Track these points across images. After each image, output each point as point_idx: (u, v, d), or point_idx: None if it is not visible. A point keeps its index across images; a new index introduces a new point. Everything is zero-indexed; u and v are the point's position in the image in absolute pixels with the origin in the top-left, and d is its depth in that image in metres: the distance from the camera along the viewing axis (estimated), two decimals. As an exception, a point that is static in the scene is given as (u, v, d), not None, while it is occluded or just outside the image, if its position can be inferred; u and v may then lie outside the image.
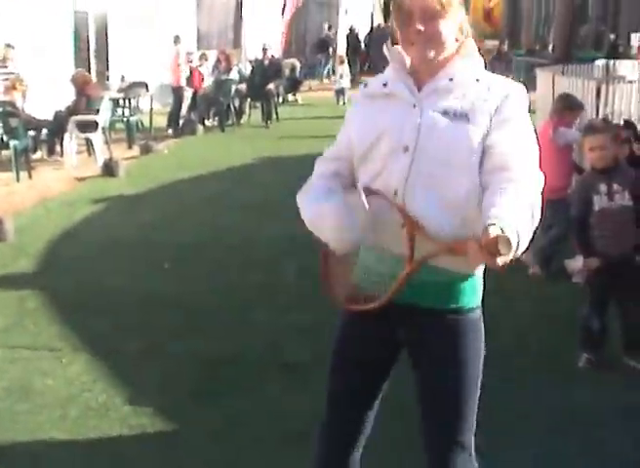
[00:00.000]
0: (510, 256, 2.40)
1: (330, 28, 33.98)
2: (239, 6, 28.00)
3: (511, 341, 5.93)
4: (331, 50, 27.04)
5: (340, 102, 23.24)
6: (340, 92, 23.52)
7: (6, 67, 14.26)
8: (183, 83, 18.51)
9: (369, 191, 2.79)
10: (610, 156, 5.47)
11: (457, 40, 2.80)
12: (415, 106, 2.75)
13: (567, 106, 7.70)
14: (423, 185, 2.71)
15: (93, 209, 10.34)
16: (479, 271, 2.87)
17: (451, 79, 2.74)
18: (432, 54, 2.72)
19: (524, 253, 2.53)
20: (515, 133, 2.70)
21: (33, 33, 15.41)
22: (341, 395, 3.10)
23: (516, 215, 2.46)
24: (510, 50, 26.96)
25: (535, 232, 2.56)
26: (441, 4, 2.69)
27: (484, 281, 2.90)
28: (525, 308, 6.71)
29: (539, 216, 2.59)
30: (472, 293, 2.88)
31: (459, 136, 2.68)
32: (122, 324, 6.33)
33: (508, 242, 2.36)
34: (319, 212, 2.86)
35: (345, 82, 23.63)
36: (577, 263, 6.72)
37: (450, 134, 2.68)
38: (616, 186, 5.41)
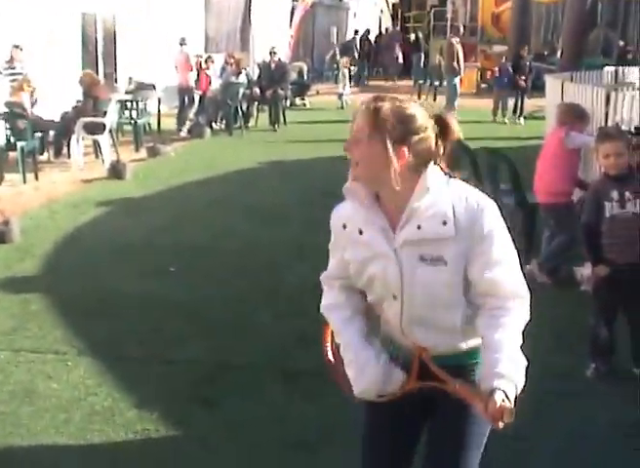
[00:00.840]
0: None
1: (356, 33, 34.07)
2: (247, 9, 28.01)
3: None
4: (337, 53, 26.93)
5: (343, 105, 23.29)
6: (340, 96, 23.61)
7: (14, 68, 14.24)
8: (192, 84, 18.54)
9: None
10: (624, 163, 5.44)
11: (404, 161, 2.76)
12: (393, 253, 2.84)
13: (578, 116, 7.68)
14: (418, 324, 2.91)
15: (99, 211, 10.32)
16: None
17: (419, 227, 2.78)
18: (373, 185, 2.83)
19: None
20: (495, 256, 2.80)
21: (41, 34, 15.40)
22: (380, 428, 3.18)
23: (515, 365, 2.75)
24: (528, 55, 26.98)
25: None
26: (362, 129, 2.76)
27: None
28: (532, 317, 6.66)
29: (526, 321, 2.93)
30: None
31: (439, 281, 2.82)
32: (126, 328, 6.31)
33: (512, 412, 2.62)
34: (362, 365, 3.00)
35: (347, 86, 23.70)
36: (585, 271, 6.67)
37: (431, 280, 2.81)
38: (627, 194, 5.37)
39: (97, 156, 13.79)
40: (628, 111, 9.66)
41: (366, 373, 2.96)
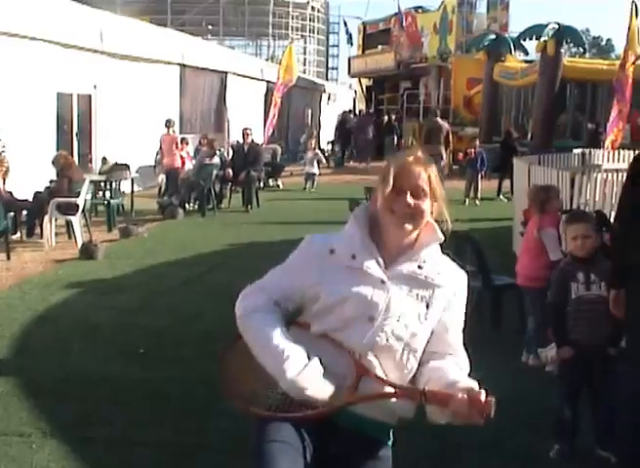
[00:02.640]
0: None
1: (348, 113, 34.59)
2: (222, 91, 28.36)
3: (484, 429, 5.90)
4: (305, 136, 27.25)
5: (308, 188, 23.49)
6: (309, 177, 23.78)
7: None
8: (178, 165, 18.75)
9: (331, 340, 2.99)
10: (591, 245, 5.53)
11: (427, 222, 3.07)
12: (383, 282, 2.98)
13: (548, 198, 7.73)
14: (380, 352, 2.97)
15: (70, 291, 10.31)
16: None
17: (420, 267, 3.02)
18: (410, 227, 3.01)
19: None
20: (458, 324, 3.13)
21: (16, 114, 15.54)
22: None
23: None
24: (517, 138, 27.34)
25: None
26: (429, 186, 3.01)
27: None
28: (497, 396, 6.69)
29: None
30: (391, 432, 3.15)
31: (417, 317, 3.01)
32: (93, 410, 6.28)
33: (493, 406, 2.77)
34: (296, 367, 2.92)
35: (314, 168, 23.92)
36: (550, 352, 6.72)
37: (412, 314, 3.00)
38: (593, 276, 5.47)
39: (69, 236, 13.82)
40: (592, 194, 9.84)
41: (299, 364, 2.91)
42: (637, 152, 5.54)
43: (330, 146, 36.89)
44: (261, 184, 21.89)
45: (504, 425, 6.02)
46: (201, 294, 10.26)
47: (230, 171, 19.26)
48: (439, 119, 22.72)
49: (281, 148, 26.31)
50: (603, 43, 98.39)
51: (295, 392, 2.89)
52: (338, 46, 72.90)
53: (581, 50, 33.07)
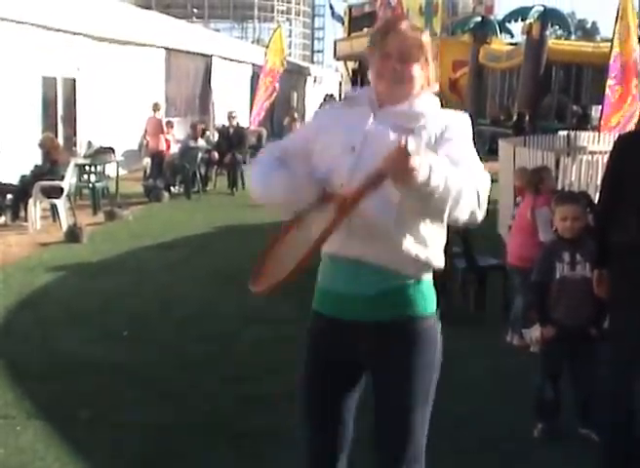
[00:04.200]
0: (423, 169, 2.55)
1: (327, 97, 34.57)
2: (207, 74, 28.29)
3: (467, 408, 5.94)
4: (288, 119, 27.16)
5: None
6: None
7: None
8: (163, 148, 18.73)
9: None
10: (579, 227, 5.54)
11: (422, 87, 3.05)
12: (371, 116, 3.00)
13: (542, 178, 7.74)
14: (362, 178, 2.84)
15: (54, 275, 10.29)
16: (426, 277, 3.05)
17: (410, 106, 2.99)
18: (399, 91, 2.99)
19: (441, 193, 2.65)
20: (459, 146, 2.94)
21: (1, 97, 15.47)
22: (319, 402, 3.21)
23: (441, 164, 2.66)
24: (502, 121, 27.29)
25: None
26: (418, 50, 2.98)
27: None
28: (481, 375, 6.73)
29: (484, 203, 2.83)
30: (423, 301, 3.03)
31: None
32: (76, 391, 6.28)
33: (409, 157, 2.52)
34: (270, 179, 3.05)
35: None
36: (534, 332, 6.75)
37: (390, 141, 2.83)
38: (579, 257, 5.48)
39: (54, 220, 13.78)
40: (577, 175, 9.87)
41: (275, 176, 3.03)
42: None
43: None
44: (247, 167, 21.83)
45: (488, 404, 6.08)
46: (186, 277, 10.25)
47: (216, 153, 19.22)
48: None
49: (266, 131, 26.25)
50: (588, 25, 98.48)
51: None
52: (323, 29, 72.76)
53: (567, 32, 33.16)
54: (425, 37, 3.02)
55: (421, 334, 3.03)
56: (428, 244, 2.97)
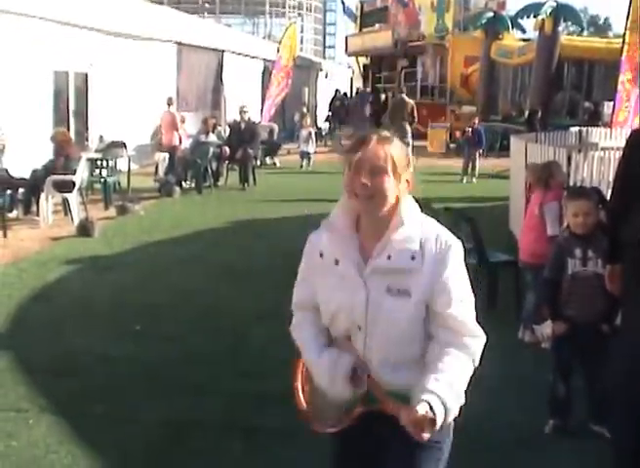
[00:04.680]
0: (435, 430, 2.80)
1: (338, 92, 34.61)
2: (219, 69, 28.29)
3: (480, 406, 5.94)
4: (299, 114, 27.16)
5: (304, 166, 23.49)
6: (305, 155, 23.77)
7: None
8: (177, 143, 18.75)
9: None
10: (591, 222, 5.53)
11: (397, 198, 3.01)
12: (364, 282, 3.00)
13: (551, 174, 7.73)
14: (378, 356, 3.01)
15: (66, 269, 10.32)
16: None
17: (389, 257, 2.97)
18: (372, 206, 2.98)
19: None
20: (458, 294, 2.99)
21: (13, 92, 15.50)
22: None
23: (451, 390, 2.88)
24: (514, 117, 27.18)
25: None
26: (387, 163, 2.95)
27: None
28: (493, 373, 6.72)
29: (477, 364, 3.05)
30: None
31: (401, 314, 2.97)
32: (90, 386, 6.31)
33: (433, 422, 2.77)
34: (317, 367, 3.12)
35: (310, 147, 23.90)
36: (546, 329, 6.74)
37: (395, 312, 2.97)
38: (590, 253, 5.48)
39: (66, 214, 13.81)
40: (589, 172, 9.84)
41: (338, 370, 3.03)
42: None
43: (327, 124, 36.78)
44: (258, 162, 21.84)
45: (500, 400, 6.08)
46: (197, 272, 10.27)
47: (227, 148, 19.23)
48: (404, 96, 22.88)
49: (278, 126, 26.25)
50: (601, 22, 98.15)
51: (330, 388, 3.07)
52: (335, 24, 72.67)
53: (579, 28, 33.04)
54: (394, 149, 2.97)
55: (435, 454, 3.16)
56: None
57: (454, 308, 2.96)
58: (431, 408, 2.78)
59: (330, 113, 36.97)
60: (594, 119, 24.81)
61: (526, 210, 8.02)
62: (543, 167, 8.12)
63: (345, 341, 3.05)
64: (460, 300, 2.99)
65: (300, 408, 3.20)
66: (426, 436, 2.76)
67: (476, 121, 22.60)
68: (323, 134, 32.85)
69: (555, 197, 7.47)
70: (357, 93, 40.68)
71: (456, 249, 3.02)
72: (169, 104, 19.58)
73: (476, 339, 3.03)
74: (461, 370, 2.96)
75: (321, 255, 3.11)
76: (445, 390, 2.85)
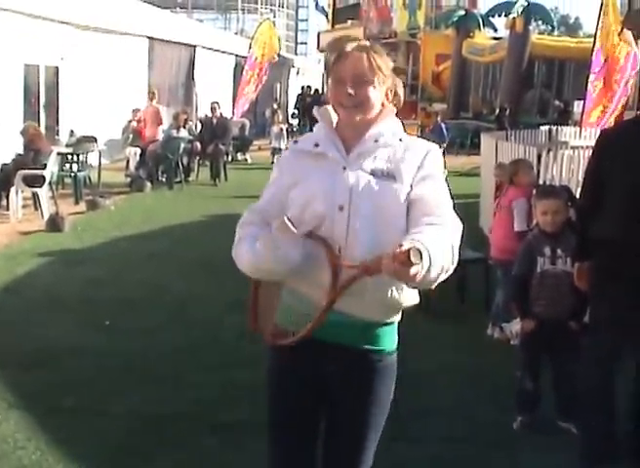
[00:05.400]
0: (422, 270, 2.56)
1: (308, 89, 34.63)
2: (191, 64, 28.21)
3: (449, 402, 5.99)
4: (270, 110, 27.08)
5: (275, 162, 23.43)
6: (276, 151, 23.75)
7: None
8: (159, 137, 18.70)
9: (309, 234, 2.94)
10: (560, 221, 5.57)
11: (383, 104, 3.06)
12: (345, 168, 2.97)
13: (516, 171, 7.77)
14: (361, 238, 2.90)
15: (36, 263, 10.28)
16: (394, 318, 3.09)
17: (376, 140, 3.00)
18: (359, 116, 3.00)
19: (438, 282, 2.72)
20: (434, 186, 2.97)
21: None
22: (286, 425, 3.22)
23: (432, 242, 2.64)
24: (484, 115, 27.26)
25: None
26: (372, 72, 2.96)
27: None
28: (461, 369, 6.77)
29: (457, 256, 2.80)
30: (391, 338, 3.11)
31: (387, 195, 2.93)
32: (60, 380, 6.28)
33: (419, 252, 2.54)
34: (255, 256, 2.99)
35: (282, 143, 23.88)
36: (515, 326, 6.79)
37: (379, 193, 2.93)
38: (559, 251, 5.51)
39: (36, 208, 13.74)
40: (559, 170, 9.92)
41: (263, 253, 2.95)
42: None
43: (297, 121, 36.73)
44: (229, 158, 21.81)
45: (469, 397, 6.13)
46: (169, 266, 10.27)
47: (198, 144, 19.19)
48: None
49: (249, 122, 26.20)
50: (571, 21, 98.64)
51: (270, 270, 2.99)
52: (307, 20, 72.62)
53: (550, 27, 33.23)
54: (377, 55, 2.99)
55: (388, 368, 3.13)
56: (404, 292, 2.99)
57: (432, 194, 2.93)
58: (414, 246, 2.57)
59: (295, 110, 36.88)
60: (564, 118, 24.99)
61: (496, 207, 8.07)
62: (510, 164, 8.18)
63: (314, 233, 2.93)
64: (439, 190, 2.98)
65: (252, 321, 3.23)
66: (414, 271, 2.53)
67: (438, 118, 22.69)
68: (294, 130, 32.83)
69: (523, 194, 7.53)
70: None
71: (437, 151, 3.08)
72: (151, 99, 19.57)
73: (455, 223, 2.91)
74: (444, 240, 2.75)
75: (295, 142, 3.15)
76: (427, 239, 2.65)
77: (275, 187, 3.13)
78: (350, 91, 2.95)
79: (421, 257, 2.54)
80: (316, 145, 3.05)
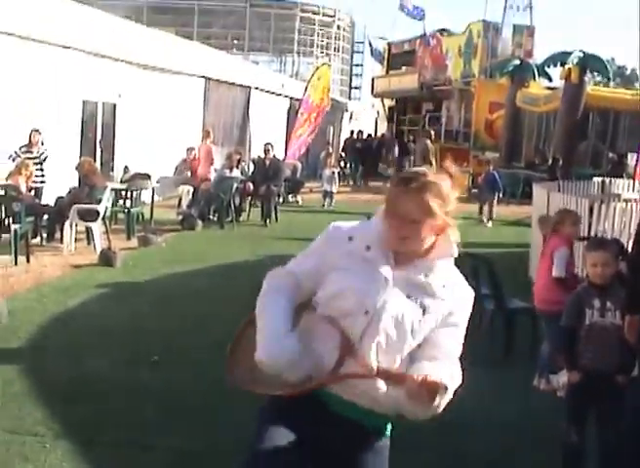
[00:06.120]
0: (439, 406, 2.87)
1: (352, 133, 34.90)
2: (246, 104, 28.50)
3: (497, 454, 5.95)
4: (324, 153, 27.21)
5: (326, 205, 23.57)
6: (327, 194, 23.86)
7: (31, 152, 14.56)
8: (211, 176, 18.99)
9: (330, 320, 3.06)
10: (610, 273, 5.52)
11: (437, 234, 3.07)
12: (387, 280, 3.03)
13: (561, 220, 7.76)
14: (373, 346, 3.01)
15: (87, 296, 10.41)
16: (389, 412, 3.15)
17: (426, 275, 3.06)
18: (405, 248, 3.05)
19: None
20: (454, 336, 3.11)
21: (42, 119, 15.68)
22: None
23: (450, 381, 2.89)
24: (537, 165, 27.25)
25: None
26: (422, 214, 2.98)
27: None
28: (510, 421, 6.73)
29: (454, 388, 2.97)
30: (389, 422, 3.20)
31: (412, 322, 3.03)
32: (106, 413, 6.36)
33: (445, 390, 2.82)
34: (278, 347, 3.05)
35: (333, 186, 23.99)
36: (562, 378, 6.76)
37: (405, 318, 3.02)
38: (609, 304, 5.45)
39: (88, 242, 13.94)
40: (611, 222, 9.88)
41: (283, 341, 3.02)
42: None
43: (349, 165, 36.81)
44: (281, 199, 21.96)
45: (514, 447, 6.09)
46: (215, 304, 10.32)
47: (250, 184, 19.37)
48: (427, 140, 23.56)
49: (301, 164, 26.37)
50: (628, 72, 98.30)
51: (267, 365, 3.05)
52: (362, 65, 72.96)
53: (605, 78, 33.13)
54: (430, 197, 2.99)
55: (385, 449, 3.21)
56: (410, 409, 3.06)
57: (450, 347, 3.07)
58: (444, 385, 2.84)
59: (342, 153, 36.95)
60: (618, 170, 24.81)
61: (540, 258, 8.04)
62: (557, 214, 8.17)
63: (334, 320, 3.03)
64: (458, 341, 3.12)
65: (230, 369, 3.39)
66: (433, 404, 2.83)
67: (491, 166, 22.68)
68: (346, 173, 32.96)
69: (566, 243, 7.52)
70: (382, 136, 40.88)
71: (471, 300, 3.17)
72: (205, 137, 19.88)
73: (458, 369, 3.06)
74: (449, 374, 2.96)
75: (350, 239, 3.13)
76: (447, 380, 2.88)
77: (317, 261, 3.20)
78: (400, 228, 3.00)
79: (445, 394, 2.83)
80: (368, 248, 3.09)
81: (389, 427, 3.20)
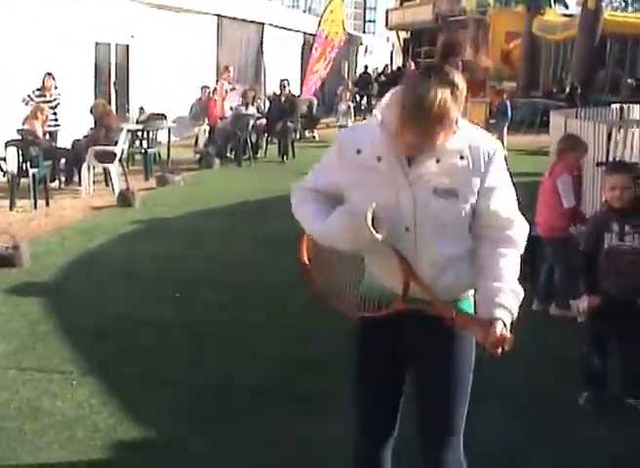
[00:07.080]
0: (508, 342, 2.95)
1: (365, 68, 34.58)
2: (260, 41, 28.29)
3: (514, 380, 5.99)
4: (341, 88, 27.00)
5: None
6: (343, 129, 23.65)
7: (44, 96, 14.55)
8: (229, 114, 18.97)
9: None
10: (629, 197, 5.50)
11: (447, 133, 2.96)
12: (409, 187, 2.99)
13: (568, 147, 7.69)
14: (427, 257, 3.04)
15: (107, 238, 10.48)
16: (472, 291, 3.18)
17: (437, 160, 2.96)
18: (420, 153, 2.97)
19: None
20: (500, 197, 3.04)
21: (56, 63, 15.64)
22: (373, 390, 3.33)
23: (514, 295, 2.99)
24: (555, 93, 27.02)
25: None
26: (441, 122, 2.86)
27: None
28: (530, 348, 6.76)
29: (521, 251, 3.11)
30: (470, 306, 3.18)
31: (450, 213, 3.00)
32: (131, 350, 6.45)
33: (511, 340, 2.92)
34: (325, 228, 3.08)
35: (347, 120, 23.83)
36: (582, 303, 6.75)
37: (443, 212, 2.99)
38: (628, 227, 5.44)
39: (107, 184, 14.00)
40: (629, 148, 9.80)
41: (328, 213, 3.06)
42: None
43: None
44: (297, 136, 21.88)
45: (533, 372, 6.13)
46: (238, 242, 10.38)
47: (264, 121, 19.30)
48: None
49: (317, 100, 26.21)
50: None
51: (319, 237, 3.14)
52: (376, -2, 72.12)
53: (623, 4, 32.68)
54: (445, 99, 2.83)
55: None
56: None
57: (499, 205, 3.03)
58: (504, 324, 2.94)
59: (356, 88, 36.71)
60: (637, 96, 24.58)
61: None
62: (561, 139, 8.08)
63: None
64: (505, 198, 3.06)
65: (311, 283, 3.44)
66: (500, 352, 2.93)
67: (504, 95, 22.42)
68: (362, 108, 32.74)
69: (566, 169, 7.47)
70: (399, 70, 40.57)
71: (500, 152, 3.05)
72: (225, 71, 19.94)
73: (521, 231, 3.10)
74: (515, 268, 3.06)
75: (358, 152, 3.05)
76: (512, 300, 2.99)
77: (332, 176, 3.16)
78: (416, 137, 2.87)
79: (511, 343, 2.94)
80: (379, 159, 3.01)
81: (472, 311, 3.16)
